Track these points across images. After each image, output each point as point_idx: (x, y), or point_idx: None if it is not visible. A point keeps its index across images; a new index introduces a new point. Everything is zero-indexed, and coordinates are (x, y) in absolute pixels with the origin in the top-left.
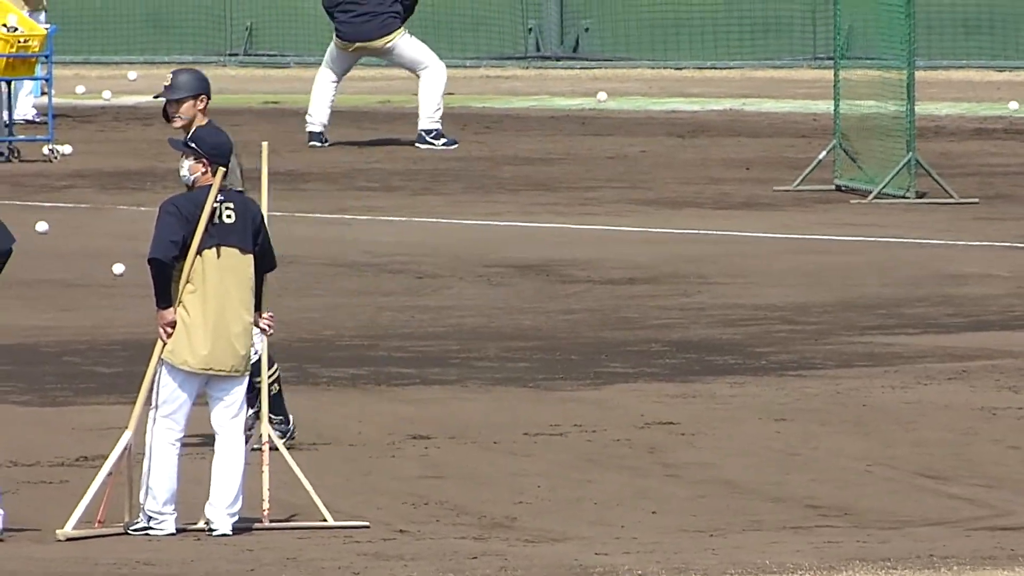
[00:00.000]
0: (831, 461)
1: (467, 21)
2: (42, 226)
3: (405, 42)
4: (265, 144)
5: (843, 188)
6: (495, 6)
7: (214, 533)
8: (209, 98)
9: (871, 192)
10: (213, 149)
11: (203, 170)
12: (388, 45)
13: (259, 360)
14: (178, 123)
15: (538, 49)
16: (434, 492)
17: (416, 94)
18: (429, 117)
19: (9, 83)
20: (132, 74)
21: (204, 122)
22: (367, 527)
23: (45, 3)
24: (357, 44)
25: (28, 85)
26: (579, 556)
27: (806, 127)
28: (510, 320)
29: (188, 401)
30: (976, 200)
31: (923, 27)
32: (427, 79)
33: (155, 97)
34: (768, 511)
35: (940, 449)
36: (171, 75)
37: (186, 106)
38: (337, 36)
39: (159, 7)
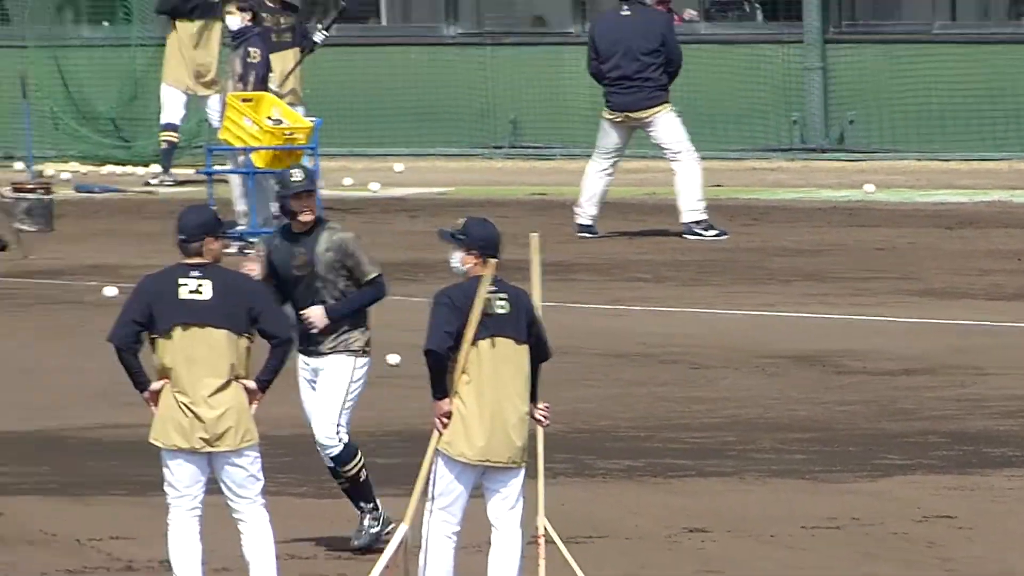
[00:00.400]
0: None
1: (732, 114)
2: None
3: (668, 119)
4: (534, 235)
5: None
6: (760, 99)
7: None
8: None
9: None
10: (483, 241)
11: (474, 261)
12: (651, 118)
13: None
14: (307, 217)
15: (803, 141)
16: None
17: (660, 187)
18: (693, 209)
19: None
20: (398, 166)
21: (315, 219)
22: None
23: (301, 95)
24: (624, 114)
25: None
26: None
27: None
28: (786, 411)
29: (464, 493)
30: None
31: None
32: (683, 171)
33: (280, 196)
34: None
35: None
36: (296, 170)
37: (313, 200)
38: (607, 105)
39: (425, 101)
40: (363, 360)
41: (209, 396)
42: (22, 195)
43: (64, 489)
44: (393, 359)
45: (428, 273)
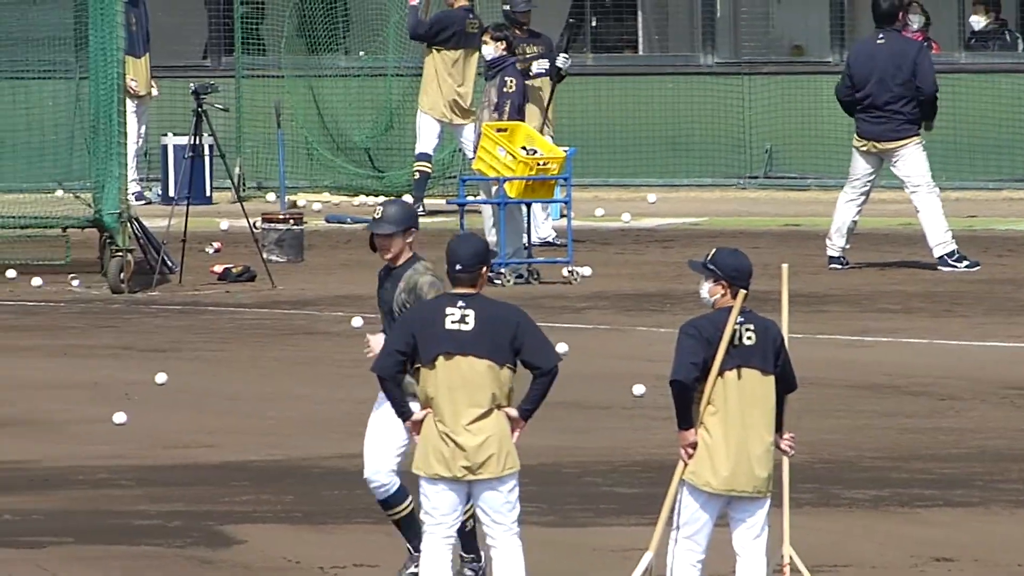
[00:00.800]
0: None
1: (990, 144)
2: (561, 347)
3: (913, 152)
4: (785, 266)
5: None
6: (1019, 129)
7: None
8: (416, 230)
9: None
10: (733, 271)
11: (722, 292)
12: (898, 150)
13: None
14: (386, 256)
15: None
16: None
17: (914, 217)
18: (941, 242)
19: (528, 205)
20: (651, 196)
21: (410, 255)
22: None
23: (551, 125)
24: (871, 143)
25: (547, 207)
26: None
27: None
28: None
29: (709, 523)
30: None
31: None
32: (923, 204)
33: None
34: None
35: None
36: (385, 207)
37: (394, 240)
38: (856, 132)
39: (679, 130)
40: None
41: (469, 424)
42: (273, 225)
43: (307, 517)
44: (638, 390)
45: (676, 304)
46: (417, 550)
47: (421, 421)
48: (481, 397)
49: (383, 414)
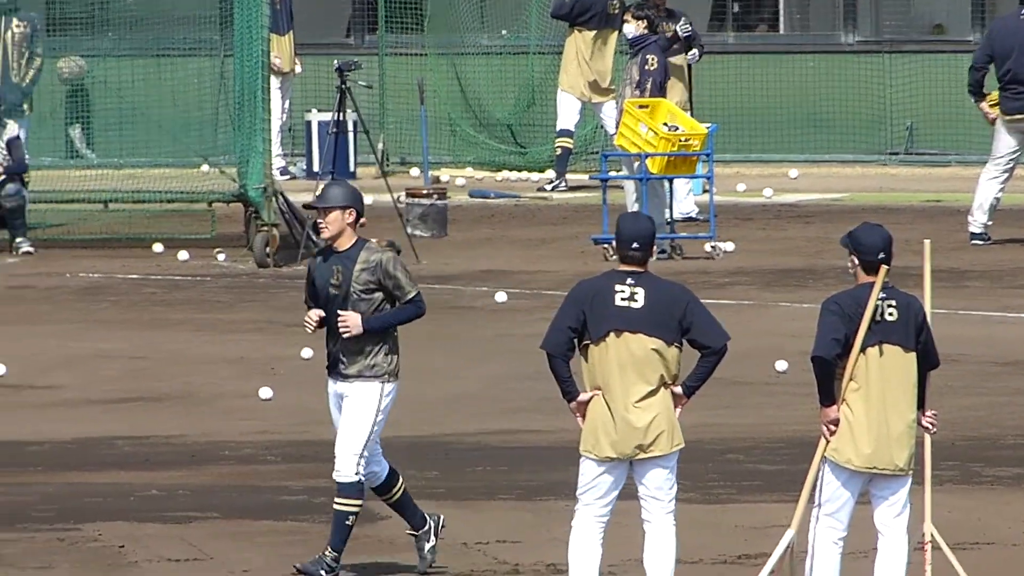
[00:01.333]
0: None
1: None
2: None
3: None
4: (927, 242)
5: None
6: None
7: None
8: (360, 213)
9: None
10: (859, 245)
11: (853, 266)
12: None
13: None
14: (325, 233)
15: None
16: None
17: None
18: None
19: (671, 181)
20: (793, 172)
21: (354, 239)
22: None
23: (687, 102)
24: (1017, 117)
25: (689, 183)
26: None
27: None
28: None
29: (851, 500)
30: None
31: None
32: None
33: (304, 207)
34: None
35: None
36: (322, 187)
37: (332, 216)
38: (1000, 109)
39: (819, 107)
40: (390, 386)
41: (638, 402)
42: (416, 200)
43: (451, 493)
44: (781, 366)
45: (818, 279)
46: (329, 551)
47: (587, 403)
48: (651, 375)
49: (342, 409)
